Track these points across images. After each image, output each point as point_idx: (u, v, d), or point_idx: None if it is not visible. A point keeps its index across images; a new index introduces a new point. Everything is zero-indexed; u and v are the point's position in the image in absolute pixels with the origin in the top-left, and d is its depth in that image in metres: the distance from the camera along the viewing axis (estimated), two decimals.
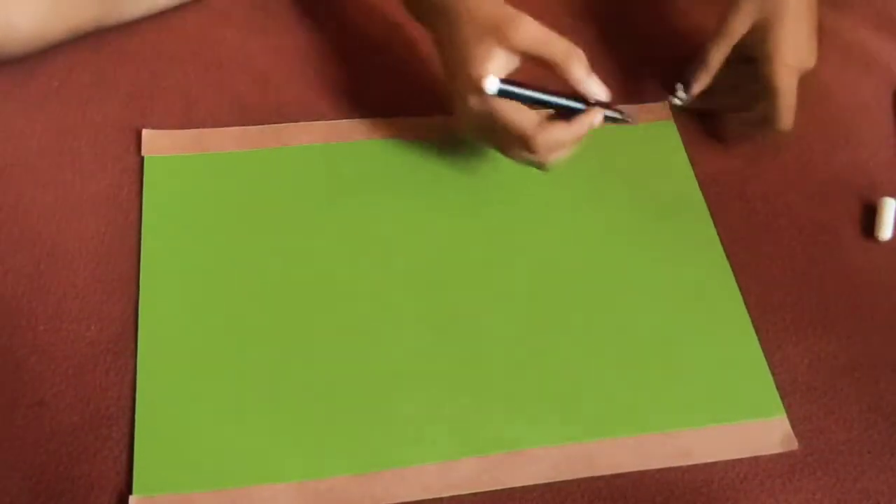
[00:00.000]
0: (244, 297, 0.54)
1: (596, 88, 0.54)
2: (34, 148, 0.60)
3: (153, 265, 0.55)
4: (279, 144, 0.61)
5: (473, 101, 0.53)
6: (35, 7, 0.59)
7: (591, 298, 0.57)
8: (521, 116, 0.52)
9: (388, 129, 0.63)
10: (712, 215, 0.61)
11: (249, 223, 0.57)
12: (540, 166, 0.56)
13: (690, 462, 0.51)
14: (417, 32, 0.66)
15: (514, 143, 0.54)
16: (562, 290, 0.57)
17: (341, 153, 0.61)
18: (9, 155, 0.59)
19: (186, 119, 0.63)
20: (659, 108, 0.66)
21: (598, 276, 0.58)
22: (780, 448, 0.52)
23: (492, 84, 0.51)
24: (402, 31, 0.68)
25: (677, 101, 0.63)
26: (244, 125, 0.63)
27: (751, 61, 0.60)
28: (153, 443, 0.49)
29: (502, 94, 0.52)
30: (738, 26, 0.59)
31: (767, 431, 0.52)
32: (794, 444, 0.52)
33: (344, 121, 0.63)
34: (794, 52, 0.58)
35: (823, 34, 0.73)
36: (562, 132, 0.54)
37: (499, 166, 0.61)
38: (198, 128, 0.62)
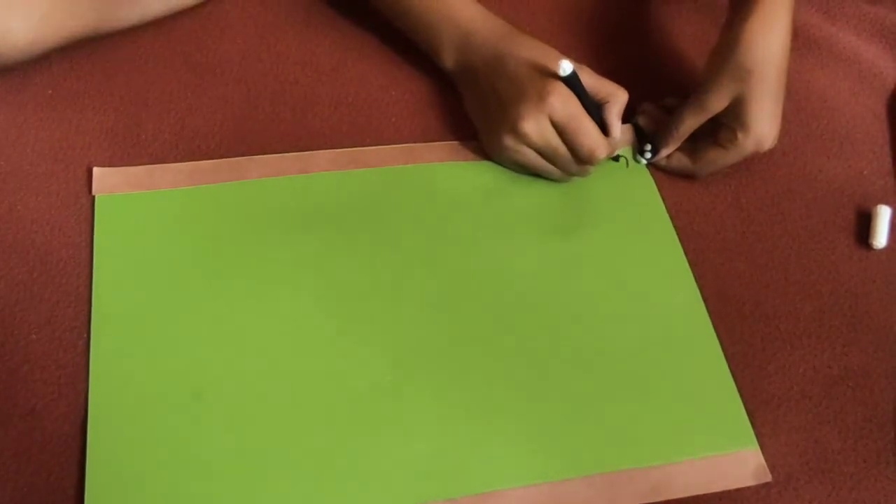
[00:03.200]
0: (200, 339, 0.52)
1: (619, 132, 0.61)
2: (28, 155, 0.60)
3: (104, 310, 0.53)
4: (233, 179, 0.60)
5: (533, 128, 0.58)
6: (30, 14, 0.58)
7: (557, 334, 0.55)
8: (596, 129, 0.59)
9: (346, 161, 0.61)
10: (681, 240, 0.61)
11: (204, 260, 0.56)
12: (583, 174, 0.62)
13: (662, 498, 0.50)
14: (411, 58, 0.66)
15: (579, 154, 0.59)
16: (527, 326, 0.55)
17: (296, 186, 0.60)
18: (2, 162, 0.59)
19: (180, 126, 0.62)
20: (625, 130, 0.65)
21: (563, 311, 0.56)
22: (753, 480, 0.51)
23: (567, 67, 0.56)
24: (400, 57, 0.68)
25: (643, 161, 0.65)
26: (237, 133, 0.62)
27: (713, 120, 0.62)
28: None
29: (570, 80, 0.57)
30: (716, 104, 0.60)
31: (740, 463, 0.51)
32: (768, 476, 0.51)
33: (294, 153, 0.61)
34: (764, 127, 0.60)
35: (818, 45, 0.74)
36: (612, 144, 0.61)
37: (463, 196, 0.61)
38: (191, 137, 0.62)
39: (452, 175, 0.62)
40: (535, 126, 0.58)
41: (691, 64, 0.71)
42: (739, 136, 0.60)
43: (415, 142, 0.64)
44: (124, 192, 0.58)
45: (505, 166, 0.63)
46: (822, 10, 0.76)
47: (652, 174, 0.64)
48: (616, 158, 0.64)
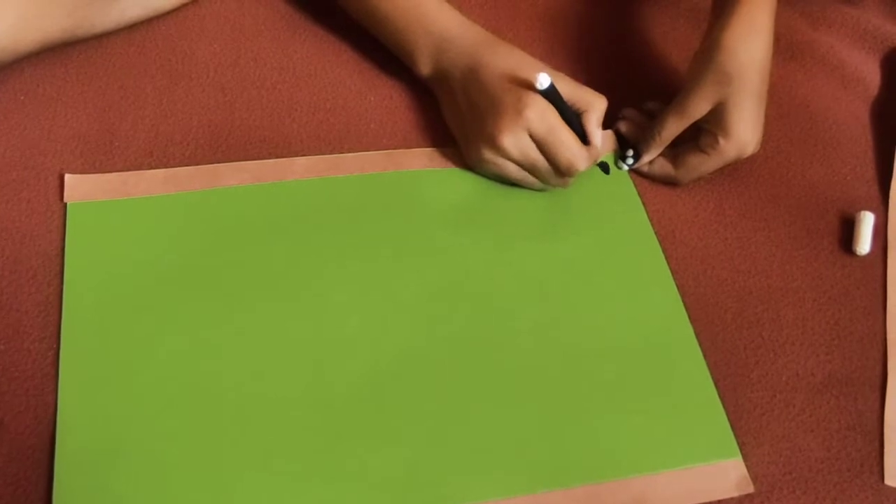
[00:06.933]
0: (174, 350, 0.51)
1: (599, 140, 0.60)
2: None
3: (75, 320, 0.52)
4: (208, 186, 0.58)
5: (512, 142, 0.58)
6: (3, 19, 0.58)
7: (537, 343, 0.54)
8: (575, 142, 0.58)
9: (324, 167, 0.61)
10: (663, 247, 0.60)
11: (179, 269, 0.55)
12: (563, 185, 0.61)
13: None
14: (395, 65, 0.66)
15: (559, 166, 0.58)
16: (506, 335, 0.55)
17: (273, 193, 0.59)
18: None
19: (154, 133, 0.61)
20: (607, 136, 0.64)
21: (543, 320, 0.56)
22: (736, 492, 0.50)
23: (545, 80, 0.55)
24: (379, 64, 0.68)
25: (625, 167, 0.64)
26: (213, 140, 0.62)
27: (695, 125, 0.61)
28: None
29: (548, 92, 0.56)
30: (698, 109, 0.59)
31: (723, 474, 0.51)
32: (750, 488, 0.51)
33: (271, 160, 0.61)
34: (746, 132, 0.59)
35: (801, 50, 0.74)
36: (594, 153, 0.60)
37: (442, 203, 0.60)
38: (166, 143, 0.61)
39: (432, 181, 0.62)
40: (513, 140, 0.57)
41: (674, 68, 0.71)
42: (721, 141, 0.59)
43: (394, 148, 0.63)
44: (97, 199, 0.57)
45: (485, 176, 0.62)
46: (804, 14, 0.76)
47: (634, 181, 0.64)
48: (605, 168, 0.63)
